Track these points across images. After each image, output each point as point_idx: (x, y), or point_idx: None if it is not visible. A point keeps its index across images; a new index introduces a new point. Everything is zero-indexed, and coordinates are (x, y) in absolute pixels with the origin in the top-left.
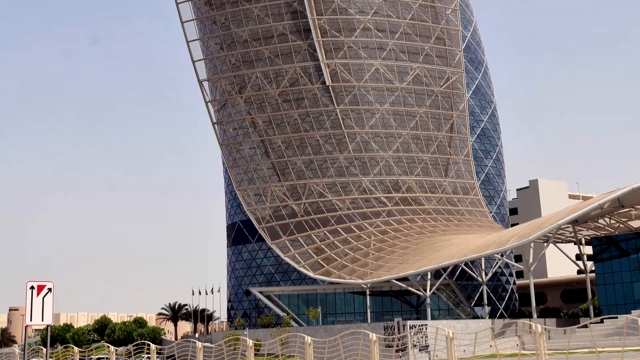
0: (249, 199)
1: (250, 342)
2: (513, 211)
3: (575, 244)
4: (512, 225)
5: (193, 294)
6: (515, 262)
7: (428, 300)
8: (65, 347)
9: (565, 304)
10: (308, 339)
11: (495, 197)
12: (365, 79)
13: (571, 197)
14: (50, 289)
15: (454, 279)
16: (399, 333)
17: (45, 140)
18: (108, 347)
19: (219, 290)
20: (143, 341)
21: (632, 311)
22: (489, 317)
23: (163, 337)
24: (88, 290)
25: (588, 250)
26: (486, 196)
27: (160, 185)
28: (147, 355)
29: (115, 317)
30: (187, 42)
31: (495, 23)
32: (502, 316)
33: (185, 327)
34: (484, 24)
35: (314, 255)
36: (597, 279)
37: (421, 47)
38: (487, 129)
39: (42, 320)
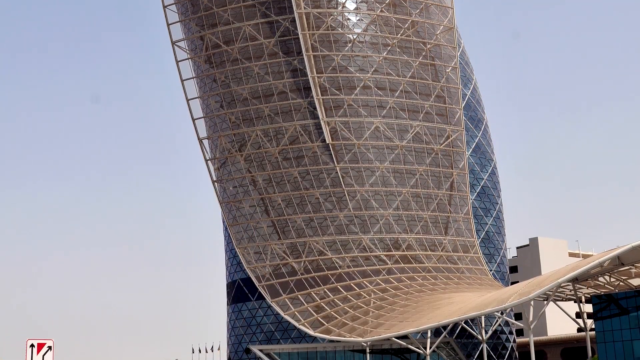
0: (249, 257)
1: None
2: (513, 269)
3: (575, 302)
4: (512, 283)
5: (193, 352)
6: (515, 320)
7: (428, 359)
8: None
9: None
10: None
11: (495, 255)
12: (365, 136)
13: (571, 255)
14: (50, 347)
15: (454, 337)
16: None
17: (44, 199)
18: None
19: (219, 349)
20: None
21: None
22: None
23: None
24: (87, 347)
25: (588, 308)
26: (486, 254)
27: (160, 243)
28: None
29: None
30: (187, 100)
31: (495, 81)
32: None
33: None
34: (484, 81)
35: (314, 313)
36: (597, 337)
37: (421, 105)
38: (487, 187)
39: None
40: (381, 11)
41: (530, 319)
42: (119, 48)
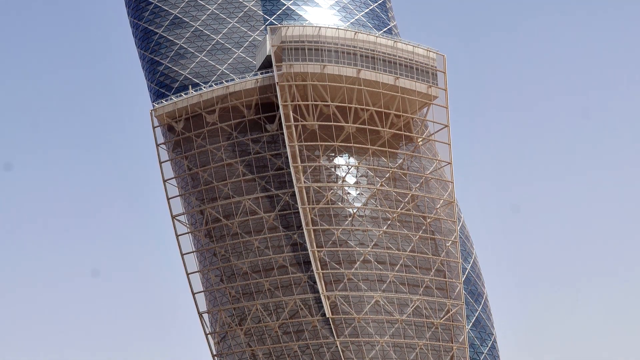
0: None
1: None
2: None
3: None
4: None
5: None
6: None
7: None
8: None
9: None
10: None
11: None
12: (365, 311)
13: None
14: None
15: None
16: None
17: None
18: None
19: None
20: None
21: None
22: None
23: None
24: None
25: None
26: None
27: None
28: None
29: None
30: (187, 274)
31: (495, 255)
32: None
33: None
34: (484, 255)
35: None
36: None
37: (421, 279)
38: None
39: None
40: (381, 185)
41: None
42: (118, 222)
